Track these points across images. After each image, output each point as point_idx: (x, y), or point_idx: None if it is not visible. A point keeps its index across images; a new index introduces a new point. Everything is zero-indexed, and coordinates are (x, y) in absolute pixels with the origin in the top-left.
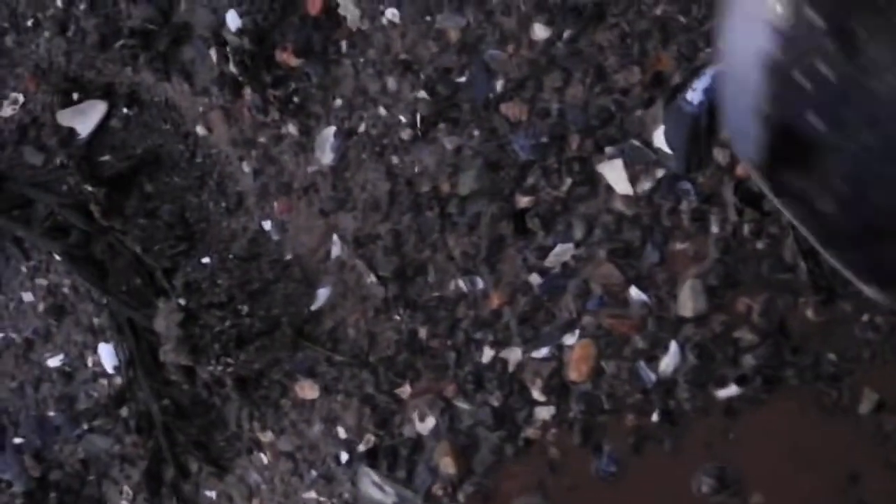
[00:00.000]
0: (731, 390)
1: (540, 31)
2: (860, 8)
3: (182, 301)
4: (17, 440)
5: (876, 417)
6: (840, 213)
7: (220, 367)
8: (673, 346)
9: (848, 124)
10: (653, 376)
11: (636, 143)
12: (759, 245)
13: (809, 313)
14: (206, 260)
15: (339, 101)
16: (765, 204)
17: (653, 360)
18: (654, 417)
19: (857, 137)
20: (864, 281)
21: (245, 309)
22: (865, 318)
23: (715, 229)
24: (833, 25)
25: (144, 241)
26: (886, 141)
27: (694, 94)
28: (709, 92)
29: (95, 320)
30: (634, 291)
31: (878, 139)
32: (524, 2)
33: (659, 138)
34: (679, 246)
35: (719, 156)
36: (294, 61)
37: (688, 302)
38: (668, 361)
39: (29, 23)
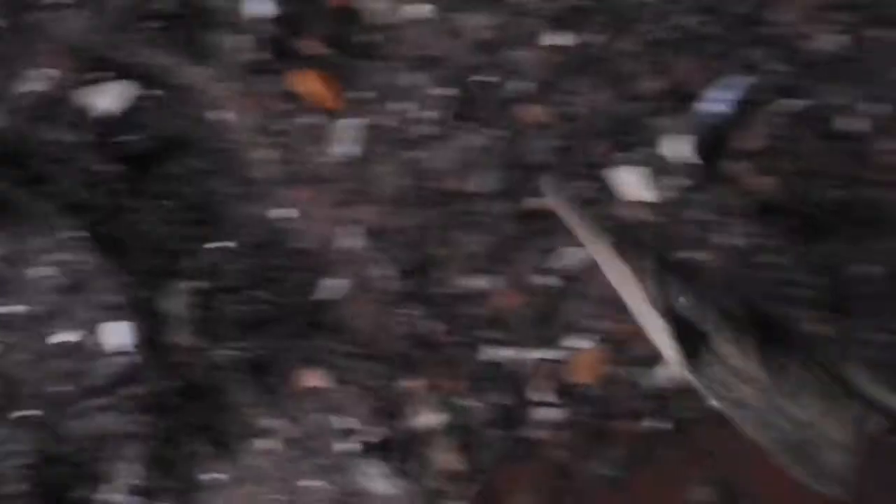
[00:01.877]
0: None
1: (566, 35)
2: None
3: (196, 283)
4: (25, 413)
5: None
6: None
7: (231, 351)
8: None
9: None
10: (655, 381)
11: (653, 150)
12: (770, 259)
13: (815, 329)
14: (222, 244)
15: (361, 94)
16: (778, 218)
17: (656, 365)
18: (660, 424)
19: None
20: None
21: (259, 294)
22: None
23: (725, 240)
24: None
25: (163, 222)
26: None
27: (713, 105)
28: (728, 103)
29: (109, 298)
30: None
31: None
32: (553, 5)
33: (676, 147)
34: (688, 255)
35: (735, 168)
36: (321, 50)
37: None
38: (672, 368)
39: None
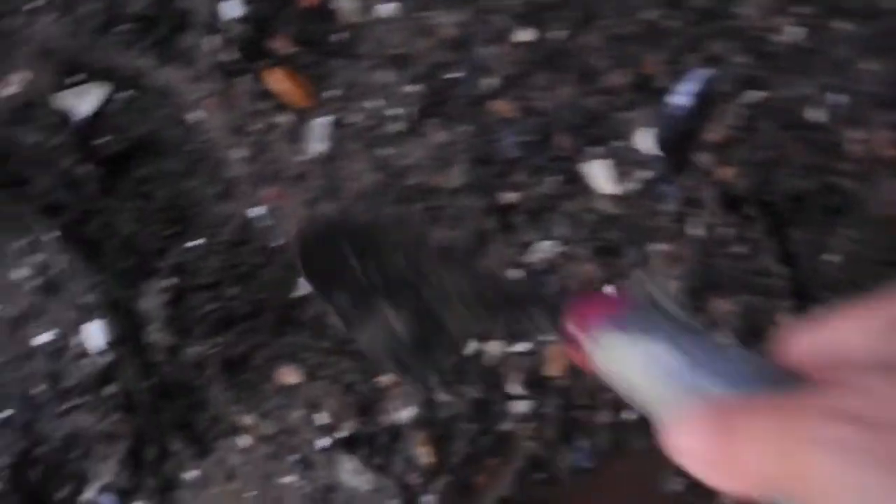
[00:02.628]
0: None
1: (531, 31)
2: None
3: (171, 282)
4: (4, 414)
5: None
6: None
7: (206, 348)
8: None
9: None
10: None
11: (621, 143)
12: (738, 249)
13: (785, 318)
14: (196, 242)
15: (332, 92)
16: (745, 209)
17: None
18: (629, 415)
19: None
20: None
21: (232, 292)
22: None
23: (695, 231)
24: None
25: (138, 222)
26: None
27: (678, 98)
28: (693, 96)
29: (87, 298)
30: (613, 289)
31: None
32: (519, 1)
33: (643, 140)
34: (659, 247)
35: (701, 159)
36: (292, 49)
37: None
38: None
39: (32, 5)
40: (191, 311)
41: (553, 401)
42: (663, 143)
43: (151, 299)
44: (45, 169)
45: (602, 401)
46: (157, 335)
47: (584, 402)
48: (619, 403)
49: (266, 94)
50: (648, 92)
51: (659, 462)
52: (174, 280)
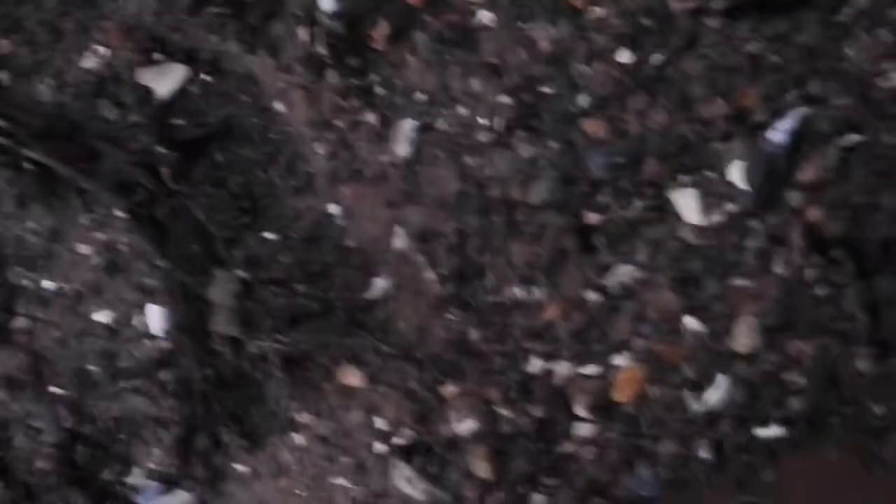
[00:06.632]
0: (774, 431)
1: (630, 53)
2: None
3: (240, 273)
4: (54, 390)
5: None
6: None
7: (268, 344)
8: (721, 379)
9: None
10: (697, 407)
11: (711, 174)
12: (821, 291)
13: (862, 365)
14: (268, 235)
15: (421, 96)
16: (832, 251)
17: (699, 390)
18: (693, 448)
19: None
20: None
21: (302, 289)
22: None
23: (778, 270)
24: None
25: (208, 208)
26: None
27: (775, 134)
28: (790, 133)
29: (148, 281)
30: (689, 321)
31: None
32: (618, 21)
33: (734, 173)
34: (740, 282)
35: (791, 198)
36: (383, 48)
37: (742, 338)
38: (715, 394)
39: None
40: (259, 304)
41: (618, 426)
42: (754, 178)
43: (220, 289)
44: (120, 146)
45: (669, 431)
46: (221, 326)
47: (651, 431)
48: (686, 436)
49: (354, 91)
50: (744, 125)
51: (719, 497)
52: (244, 272)
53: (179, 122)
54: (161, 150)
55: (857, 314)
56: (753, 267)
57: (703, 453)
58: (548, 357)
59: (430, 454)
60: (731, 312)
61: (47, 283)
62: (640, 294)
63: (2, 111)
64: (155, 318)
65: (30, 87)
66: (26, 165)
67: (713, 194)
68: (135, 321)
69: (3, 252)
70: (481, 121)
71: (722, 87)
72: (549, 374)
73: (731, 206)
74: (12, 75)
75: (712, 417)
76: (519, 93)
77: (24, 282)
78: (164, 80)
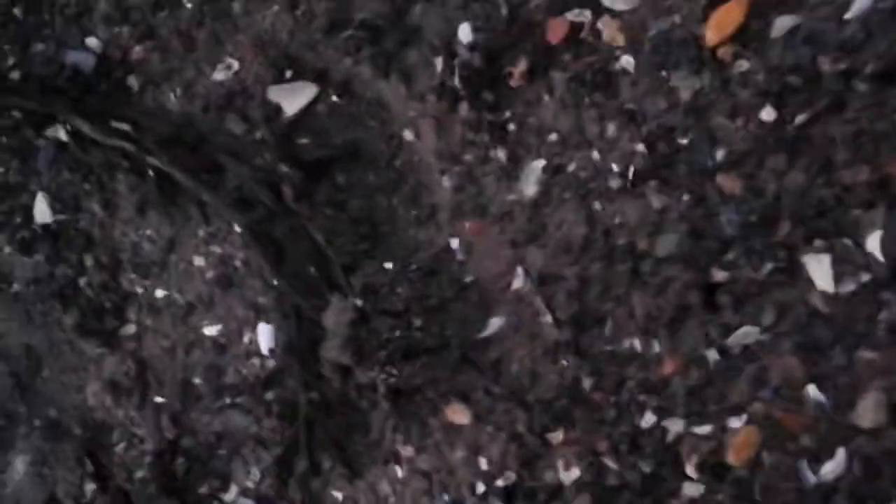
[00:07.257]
0: None
1: (772, 110)
2: None
3: (358, 301)
4: (159, 399)
5: None
6: None
7: (378, 375)
8: (840, 453)
9: None
10: (813, 478)
11: (847, 241)
12: None
13: None
14: (387, 265)
15: (553, 136)
16: None
17: (817, 462)
18: None
19: None
20: None
21: (418, 322)
22: None
23: None
24: None
25: (328, 231)
26: None
27: None
28: None
29: (261, 299)
30: (813, 390)
31: None
32: (763, 77)
33: (872, 243)
34: (869, 355)
35: None
36: (519, 85)
37: (867, 413)
38: (832, 467)
39: None
40: (373, 334)
41: (728, 489)
42: (891, 249)
43: (334, 315)
44: (244, 161)
45: (781, 500)
46: (333, 352)
47: (762, 497)
48: None
49: (485, 126)
50: (887, 194)
51: None
52: (361, 300)
53: (304, 141)
54: (284, 168)
55: None
56: (884, 340)
57: None
58: (661, 412)
59: (531, 499)
60: (857, 385)
61: (160, 292)
62: (763, 357)
63: (128, 116)
64: (265, 336)
65: (158, 95)
66: (149, 173)
67: (848, 262)
68: (244, 338)
69: (118, 257)
70: (614, 167)
71: (867, 153)
72: (661, 429)
73: (865, 276)
74: (142, 82)
75: (828, 491)
76: (655, 141)
77: (137, 289)
78: (294, 99)
